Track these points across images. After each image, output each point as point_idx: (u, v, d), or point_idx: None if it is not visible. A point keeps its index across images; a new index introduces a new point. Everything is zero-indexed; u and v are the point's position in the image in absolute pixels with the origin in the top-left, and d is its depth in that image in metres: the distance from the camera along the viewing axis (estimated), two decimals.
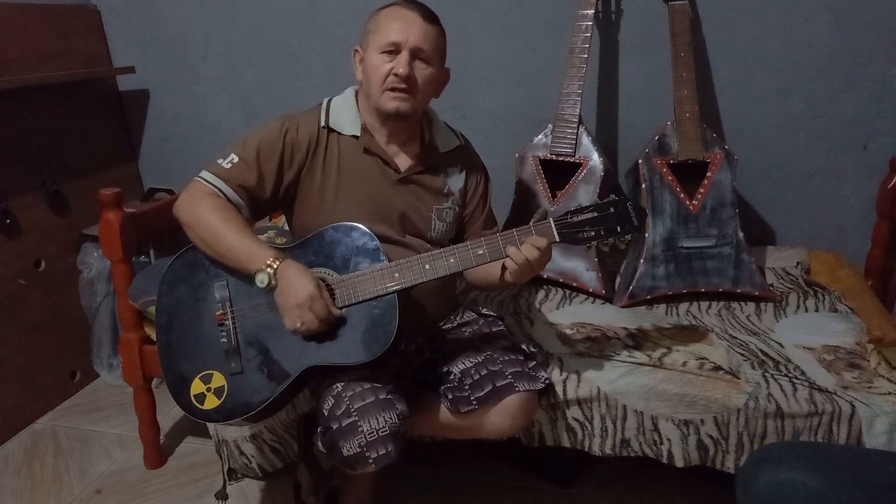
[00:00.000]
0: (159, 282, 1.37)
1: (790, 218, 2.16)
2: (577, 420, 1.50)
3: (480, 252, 1.28)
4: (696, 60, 1.86)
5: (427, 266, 1.28)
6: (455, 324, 1.54)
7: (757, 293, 1.79)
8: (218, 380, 1.30)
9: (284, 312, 1.26)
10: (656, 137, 1.86)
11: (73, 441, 2.05)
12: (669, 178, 1.82)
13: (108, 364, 2.31)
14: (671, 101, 1.86)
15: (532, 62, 2.16)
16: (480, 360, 1.40)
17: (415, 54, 1.33)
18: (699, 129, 1.82)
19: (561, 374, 1.50)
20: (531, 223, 1.27)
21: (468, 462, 1.87)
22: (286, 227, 1.56)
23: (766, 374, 1.45)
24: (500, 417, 1.35)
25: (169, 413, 2.12)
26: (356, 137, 1.42)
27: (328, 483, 1.58)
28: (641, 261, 1.79)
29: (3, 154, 2.01)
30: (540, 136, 1.96)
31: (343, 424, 1.22)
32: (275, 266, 1.25)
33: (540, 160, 1.94)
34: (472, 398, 1.35)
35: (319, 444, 1.32)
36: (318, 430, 1.30)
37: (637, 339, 1.63)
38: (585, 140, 1.89)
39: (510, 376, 1.36)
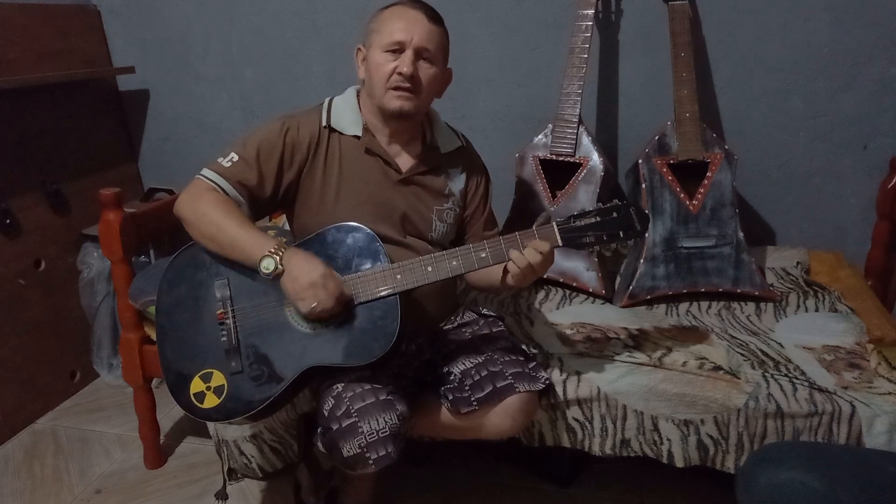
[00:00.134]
0: (159, 280, 1.37)
1: (790, 218, 2.16)
2: (577, 420, 1.50)
3: (483, 255, 1.28)
4: (696, 60, 1.87)
5: (429, 268, 1.28)
6: (455, 324, 1.54)
7: (757, 293, 1.79)
8: (218, 379, 1.30)
9: (297, 296, 1.24)
10: (656, 137, 1.86)
11: (73, 441, 2.05)
12: (669, 178, 1.82)
13: (108, 364, 2.31)
14: (671, 101, 1.86)
15: (532, 62, 2.16)
16: (481, 360, 1.40)
17: (419, 54, 1.33)
18: (699, 129, 1.82)
19: (561, 374, 1.50)
20: (534, 227, 1.27)
21: (468, 462, 1.87)
22: (286, 227, 1.56)
23: (766, 374, 1.45)
24: (501, 418, 1.35)
25: (169, 413, 2.12)
26: (357, 137, 1.42)
27: (328, 483, 1.58)
28: (641, 261, 1.79)
29: (3, 154, 2.01)
30: (540, 136, 1.96)
31: (343, 425, 1.22)
32: (281, 253, 1.25)
33: (540, 160, 1.94)
34: (473, 399, 1.35)
35: (319, 444, 1.32)
36: (319, 430, 1.30)
37: (637, 340, 1.63)
38: (585, 140, 1.89)
39: (510, 377, 1.36)
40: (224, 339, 1.31)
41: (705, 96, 2.05)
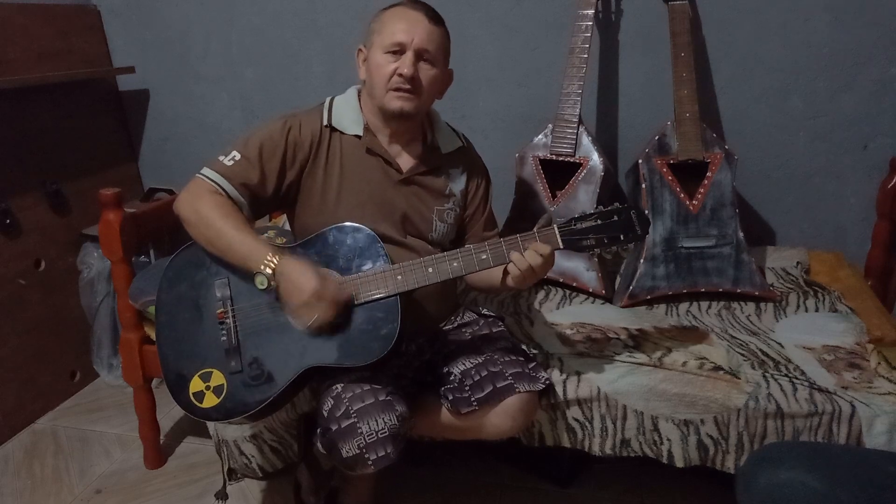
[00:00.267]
0: (159, 280, 1.37)
1: (790, 218, 2.16)
2: (577, 420, 1.50)
3: (483, 256, 1.28)
4: (696, 60, 1.87)
5: (430, 269, 1.28)
6: (455, 324, 1.54)
7: (757, 293, 1.79)
8: (217, 378, 1.30)
9: (293, 314, 1.26)
10: (656, 137, 1.86)
11: (73, 441, 2.05)
12: (669, 178, 1.82)
13: (108, 364, 2.31)
14: (671, 101, 1.86)
15: (532, 62, 2.16)
16: (481, 360, 1.40)
17: (420, 55, 1.33)
18: (699, 129, 1.82)
19: (561, 374, 1.50)
20: (535, 229, 1.28)
21: (468, 462, 1.87)
22: (286, 227, 1.56)
23: (766, 374, 1.45)
24: (501, 418, 1.35)
25: (169, 413, 2.12)
26: (358, 137, 1.42)
27: (328, 483, 1.58)
28: (641, 261, 1.79)
29: (3, 154, 2.01)
30: (540, 136, 1.96)
31: (342, 426, 1.22)
32: (273, 266, 1.24)
33: (540, 160, 1.94)
34: (473, 399, 1.34)
35: (319, 445, 1.32)
36: (318, 430, 1.30)
37: (637, 340, 1.63)
38: (585, 140, 1.89)
39: (510, 377, 1.36)
40: (224, 338, 1.31)
41: (705, 96, 2.05)
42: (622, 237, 1.26)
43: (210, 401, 1.29)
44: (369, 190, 1.41)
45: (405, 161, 1.45)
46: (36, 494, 1.82)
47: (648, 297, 1.79)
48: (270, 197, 1.38)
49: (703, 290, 1.80)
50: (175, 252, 1.38)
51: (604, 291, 1.83)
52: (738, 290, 1.79)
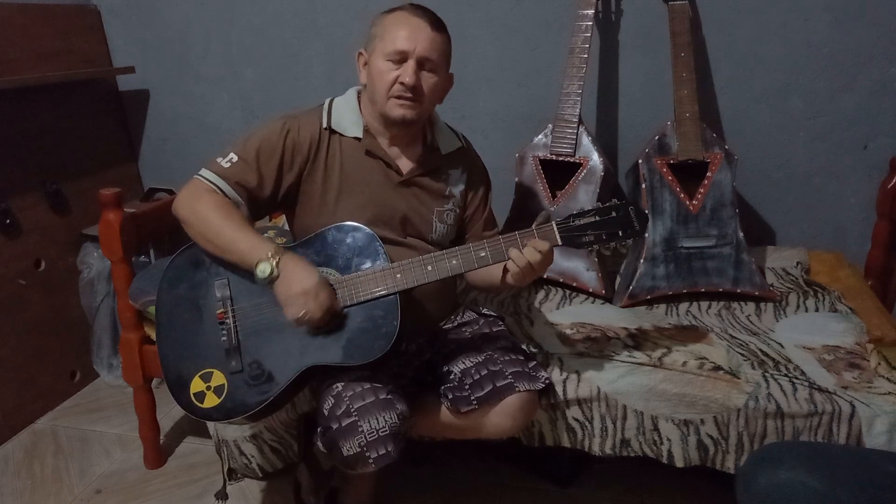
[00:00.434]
0: (159, 280, 1.37)
1: (790, 218, 2.16)
2: (577, 420, 1.50)
3: (482, 254, 1.28)
4: (696, 60, 1.87)
5: (429, 267, 1.28)
6: (455, 324, 1.54)
7: (757, 293, 1.79)
8: (218, 378, 1.30)
9: (287, 302, 1.25)
10: (656, 137, 1.86)
11: (73, 441, 2.05)
12: (669, 178, 1.82)
13: (108, 364, 2.31)
14: (671, 101, 1.86)
15: (532, 62, 2.16)
16: (481, 360, 1.40)
17: (422, 64, 1.33)
18: (699, 129, 1.82)
19: (561, 374, 1.50)
20: (534, 226, 1.28)
21: (468, 462, 1.87)
22: (286, 227, 1.56)
23: (766, 374, 1.45)
24: (501, 417, 1.35)
25: (169, 413, 2.12)
26: (358, 139, 1.42)
27: (328, 483, 1.58)
28: (641, 261, 1.79)
29: (3, 154, 2.01)
30: (540, 136, 1.96)
31: (343, 424, 1.22)
32: (278, 257, 1.25)
33: (540, 160, 1.94)
34: (473, 398, 1.35)
35: (319, 444, 1.32)
36: (318, 430, 1.30)
37: (637, 339, 1.63)
38: (585, 140, 1.89)
39: (510, 376, 1.36)
40: (224, 338, 1.31)
41: (705, 96, 2.05)
42: (620, 233, 1.26)
43: (211, 401, 1.29)
44: (369, 192, 1.41)
45: (405, 163, 1.45)
46: (36, 494, 1.82)
47: (648, 296, 1.79)
48: (268, 198, 1.38)
49: (703, 290, 1.80)
50: (175, 252, 1.38)
51: (604, 291, 1.83)
52: (738, 290, 1.79)
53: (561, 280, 1.89)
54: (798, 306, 1.78)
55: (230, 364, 1.30)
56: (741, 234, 1.79)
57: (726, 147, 1.83)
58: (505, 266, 1.30)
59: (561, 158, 1.91)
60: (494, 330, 1.52)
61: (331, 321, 1.28)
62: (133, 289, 1.74)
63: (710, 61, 2.05)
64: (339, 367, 1.28)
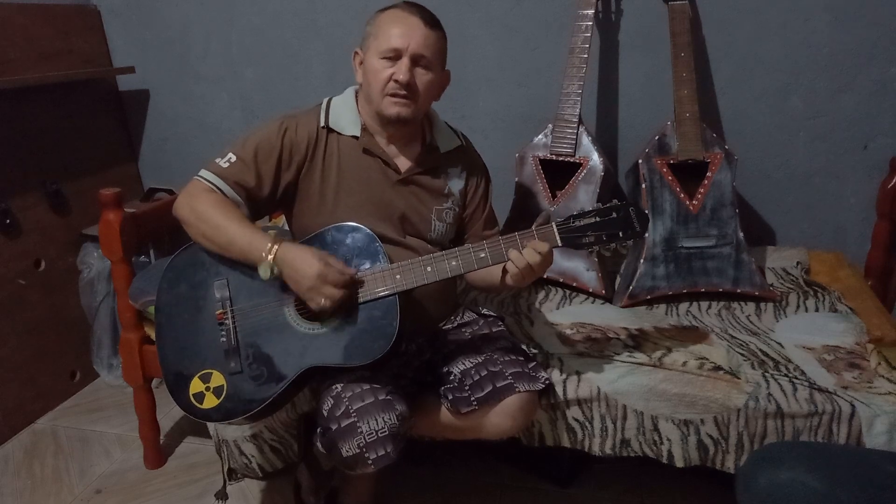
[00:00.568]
0: (160, 279, 1.37)
1: (790, 218, 2.16)
2: (577, 420, 1.50)
3: (482, 255, 1.28)
4: (696, 60, 1.86)
5: (429, 268, 1.28)
6: (455, 324, 1.54)
7: (757, 293, 1.79)
8: (217, 379, 1.30)
9: (304, 297, 1.26)
10: (656, 137, 1.86)
11: (73, 441, 2.05)
12: (669, 178, 1.81)
13: (108, 364, 2.31)
14: (671, 101, 1.86)
15: (532, 62, 2.16)
16: (481, 360, 1.40)
17: (416, 61, 1.33)
18: (699, 129, 1.82)
19: (561, 374, 1.50)
20: (533, 227, 1.27)
21: (468, 462, 1.87)
22: (286, 227, 1.56)
23: (766, 374, 1.45)
24: (501, 418, 1.35)
25: (169, 413, 2.12)
26: (356, 138, 1.42)
27: (328, 483, 1.58)
28: (641, 261, 1.79)
29: (3, 154, 2.01)
30: (540, 136, 1.95)
31: (342, 425, 1.22)
32: (273, 252, 1.25)
33: (540, 160, 1.94)
34: (473, 399, 1.34)
35: (319, 444, 1.32)
36: (318, 430, 1.30)
37: (637, 340, 1.63)
38: (585, 140, 1.89)
39: (510, 377, 1.36)
40: (223, 339, 1.31)
41: (705, 96, 2.05)
42: (621, 234, 1.26)
43: (210, 402, 1.29)
44: (367, 191, 1.41)
45: (403, 161, 1.45)
46: (36, 494, 1.82)
47: (648, 297, 1.79)
48: (267, 198, 1.38)
49: (703, 290, 1.80)
50: (175, 252, 1.38)
51: (604, 291, 1.83)
52: (738, 290, 1.79)
53: (561, 280, 1.89)
54: (798, 306, 1.78)
55: (229, 365, 1.30)
56: (741, 234, 1.79)
57: (726, 147, 1.83)
58: (504, 267, 1.30)
59: (561, 158, 1.91)
60: (494, 330, 1.52)
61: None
62: (133, 289, 1.74)
63: (710, 61, 2.05)
64: (338, 367, 1.28)
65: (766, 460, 1.06)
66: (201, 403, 1.29)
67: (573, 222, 1.26)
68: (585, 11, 1.88)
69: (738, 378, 1.45)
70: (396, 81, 1.32)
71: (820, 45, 1.96)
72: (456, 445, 1.56)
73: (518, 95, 2.21)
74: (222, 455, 1.79)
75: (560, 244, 1.27)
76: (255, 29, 2.33)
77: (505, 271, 1.30)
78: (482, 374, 1.37)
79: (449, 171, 1.50)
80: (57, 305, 2.21)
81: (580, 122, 1.89)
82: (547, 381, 1.40)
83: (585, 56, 1.87)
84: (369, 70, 1.35)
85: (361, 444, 1.20)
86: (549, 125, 1.94)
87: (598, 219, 1.26)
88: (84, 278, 2.23)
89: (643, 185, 1.81)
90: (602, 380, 1.48)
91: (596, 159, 1.86)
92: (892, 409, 1.35)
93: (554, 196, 1.91)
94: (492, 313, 1.58)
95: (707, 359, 1.52)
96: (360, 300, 1.29)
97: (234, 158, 1.34)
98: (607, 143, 2.19)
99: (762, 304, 1.79)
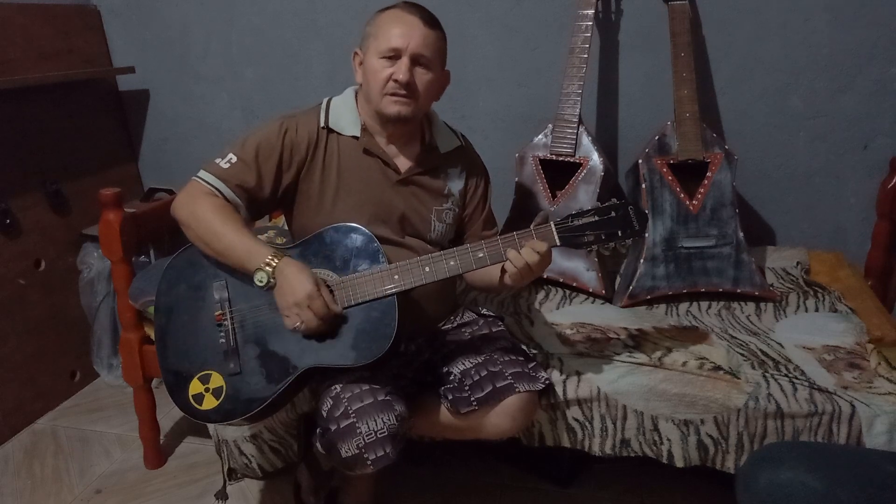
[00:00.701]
0: (159, 280, 1.37)
1: (790, 218, 2.16)
2: (577, 420, 1.50)
3: (480, 255, 1.28)
4: (696, 60, 1.86)
5: (427, 268, 1.28)
6: (455, 324, 1.54)
7: (757, 293, 1.79)
8: (216, 380, 1.30)
9: (283, 311, 1.26)
10: (656, 137, 1.86)
11: (73, 441, 2.05)
12: (669, 178, 1.81)
13: (108, 364, 2.31)
14: (671, 101, 1.86)
15: (532, 62, 2.16)
16: (480, 360, 1.40)
17: (415, 60, 1.33)
18: (699, 129, 1.82)
19: (561, 374, 1.50)
20: (532, 226, 1.27)
21: (468, 462, 1.87)
22: (286, 227, 1.56)
23: (766, 374, 1.45)
24: (501, 418, 1.35)
25: (169, 413, 2.12)
26: (356, 138, 1.42)
27: (328, 483, 1.58)
28: (641, 261, 1.79)
29: (3, 154, 2.01)
30: (540, 136, 1.95)
31: (341, 426, 1.22)
32: (273, 264, 1.25)
33: (540, 160, 1.94)
34: (472, 399, 1.34)
35: (318, 445, 1.32)
36: (317, 431, 1.30)
37: (637, 340, 1.63)
38: (585, 140, 1.89)
39: (510, 377, 1.35)
40: (222, 340, 1.31)
41: (705, 96, 2.05)
42: (620, 233, 1.26)
43: (209, 403, 1.29)
44: (367, 191, 1.41)
45: (403, 161, 1.45)
46: (36, 494, 1.82)
47: (648, 297, 1.79)
48: (268, 198, 1.38)
49: (703, 290, 1.80)
50: (175, 253, 1.38)
51: (604, 291, 1.83)
52: (738, 290, 1.79)
53: (561, 280, 1.89)
54: (798, 306, 1.78)
55: (228, 366, 1.30)
56: (741, 234, 1.79)
57: (726, 147, 1.83)
58: (503, 267, 1.29)
59: (561, 158, 1.91)
60: (494, 330, 1.52)
61: (330, 325, 1.27)
62: (133, 289, 1.74)
63: (710, 61, 2.05)
64: (337, 368, 1.28)
65: (766, 460, 1.06)
66: (200, 404, 1.29)
67: (572, 222, 1.26)
68: (585, 11, 1.88)
69: (738, 378, 1.45)
70: (396, 81, 1.31)
71: (820, 45, 1.96)
72: (456, 445, 1.56)
73: (518, 95, 2.21)
74: (222, 455, 1.79)
75: (558, 243, 1.26)
76: (255, 29, 2.33)
77: (503, 271, 1.30)
78: (482, 375, 1.37)
79: (448, 172, 1.50)
80: (57, 305, 2.21)
81: (580, 122, 1.89)
82: (547, 382, 1.40)
83: (585, 56, 1.87)
84: (369, 70, 1.35)
85: (360, 445, 1.20)
86: (549, 125, 1.94)
87: (596, 218, 1.26)
88: (84, 278, 2.23)
89: (643, 185, 1.81)
90: (602, 380, 1.48)
91: (596, 159, 1.86)
92: (892, 409, 1.35)
93: (554, 196, 1.91)
94: (491, 313, 1.58)
95: (707, 359, 1.52)
96: (359, 300, 1.28)
97: (234, 159, 1.34)
98: (607, 143, 2.19)
99: (762, 304, 1.79)
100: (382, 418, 1.22)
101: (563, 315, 1.77)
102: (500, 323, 1.57)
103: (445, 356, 1.46)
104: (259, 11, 2.30)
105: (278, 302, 1.27)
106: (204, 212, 1.29)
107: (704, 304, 1.80)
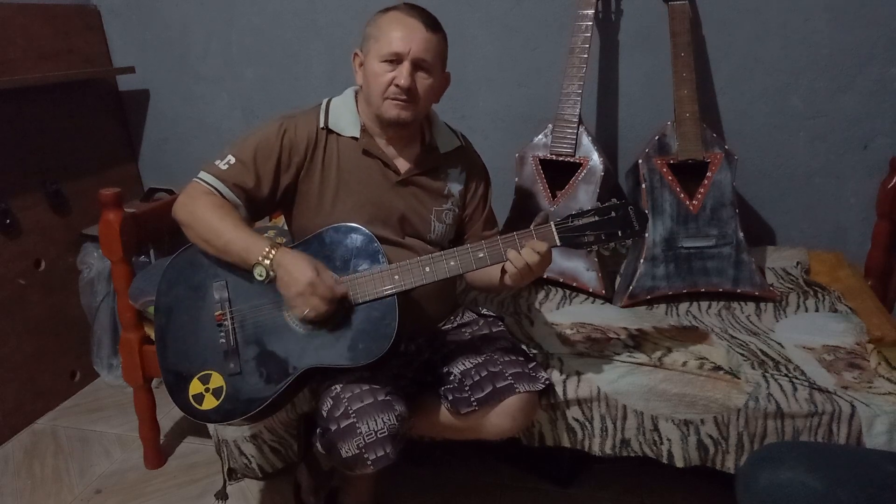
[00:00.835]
0: (159, 280, 1.37)
1: (790, 218, 2.16)
2: (577, 420, 1.50)
3: (481, 255, 1.28)
4: (696, 60, 1.86)
5: (427, 269, 1.28)
6: (455, 324, 1.54)
7: (757, 293, 1.79)
8: (216, 380, 1.30)
9: (289, 304, 1.26)
10: (656, 137, 1.86)
11: (73, 441, 2.05)
12: (669, 178, 1.81)
13: (108, 364, 2.31)
14: (671, 101, 1.86)
15: (532, 62, 2.16)
16: (480, 360, 1.40)
17: (417, 65, 1.32)
18: (699, 129, 1.82)
19: (561, 374, 1.50)
20: (532, 226, 1.27)
21: (468, 462, 1.87)
22: (286, 228, 1.56)
23: (766, 374, 1.45)
24: (501, 418, 1.35)
25: (169, 413, 2.12)
26: (356, 139, 1.42)
27: (328, 483, 1.58)
28: (641, 261, 1.79)
29: (3, 154, 2.01)
30: (540, 136, 1.95)
31: (341, 426, 1.22)
32: (270, 257, 1.25)
33: (540, 160, 1.94)
34: (473, 399, 1.34)
35: (318, 445, 1.32)
36: (317, 431, 1.30)
37: (637, 340, 1.63)
38: (585, 140, 1.89)
39: (510, 377, 1.35)
40: (222, 340, 1.31)
41: (705, 96, 2.05)
42: (620, 233, 1.26)
43: (209, 403, 1.29)
44: (367, 191, 1.41)
45: (403, 162, 1.45)
46: (36, 494, 1.82)
47: (648, 297, 1.79)
48: (267, 199, 1.38)
49: (703, 290, 1.80)
50: (175, 253, 1.38)
51: (604, 291, 1.83)
52: (738, 290, 1.79)
53: (561, 280, 1.89)
54: (798, 306, 1.78)
55: (228, 366, 1.30)
56: (741, 234, 1.79)
57: (726, 147, 1.83)
58: (503, 267, 1.29)
59: (561, 158, 1.91)
60: (494, 330, 1.51)
61: (340, 307, 1.27)
62: (133, 289, 1.74)
63: (710, 61, 2.04)
64: (337, 368, 1.28)
65: (766, 460, 1.06)
66: (200, 404, 1.29)
67: (572, 222, 1.26)
68: (585, 11, 1.88)
69: (738, 378, 1.45)
70: (397, 86, 1.31)
71: (820, 45, 1.96)
72: (456, 445, 1.56)
73: (518, 95, 2.21)
74: (222, 455, 1.79)
75: (558, 243, 1.26)
76: (255, 29, 2.33)
77: (504, 271, 1.30)
78: (482, 375, 1.37)
79: (448, 172, 1.50)
80: (57, 305, 2.21)
81: (580, 122, 1.89)
82: (547, 382, 1.40)
83: (585, 56, 1.87)
84: (369, 73, 1.34)
85: (361, 445, 1.20)
86: (549, 125, 1.94)
87: (596, 218, 1.26)
88: (84, 278, 2.23)
89: (643, 185, 1.81)
90: (602, 380, 1.48)
91: (596, 159, 1.86)
92: (892, 409, 1.35)
93: (554, 196, 1.91)
94: (491, 313, 1.58)
95: (707, 359, 1.52)
96: (359, 301, 1.29)
97: (233, 160, 1.34)
98: (607, 143, 2.19)
99: (762, 304, 1.79)
100: (382, 418, 1.22)
101: (563, 315, 1.77)
102: (501, 323, 1.57)
103: (445, 356, 1.46)
104: (259, 11, 2.30)
105: (282, 294, 1.26)
106: (203, 210, 1.29)
107: (704, 304, 1.80)
